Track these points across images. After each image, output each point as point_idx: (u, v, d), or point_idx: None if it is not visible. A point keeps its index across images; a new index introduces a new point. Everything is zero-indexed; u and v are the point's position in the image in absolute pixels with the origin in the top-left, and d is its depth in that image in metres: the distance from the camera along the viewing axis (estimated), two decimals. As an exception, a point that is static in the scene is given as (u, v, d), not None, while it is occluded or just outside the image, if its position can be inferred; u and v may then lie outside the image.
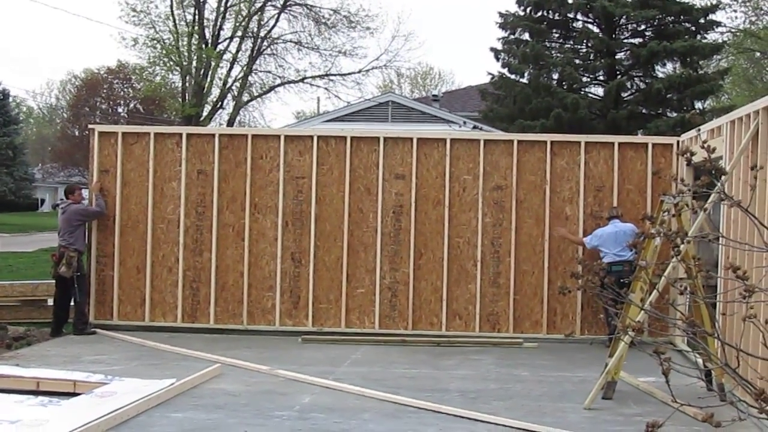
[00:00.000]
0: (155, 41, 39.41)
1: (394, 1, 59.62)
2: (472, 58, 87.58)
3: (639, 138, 16.33)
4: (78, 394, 9.47)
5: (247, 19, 41.20)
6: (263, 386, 10.44)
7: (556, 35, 33.70)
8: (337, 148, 14.58)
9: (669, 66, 32.75)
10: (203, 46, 39.90)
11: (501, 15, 33.80)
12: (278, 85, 43.59)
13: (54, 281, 14.33)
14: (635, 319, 7.40)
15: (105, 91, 73.08)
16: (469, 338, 14.17)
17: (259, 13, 41.60)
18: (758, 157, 9.55)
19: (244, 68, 42.09)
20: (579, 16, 33.00)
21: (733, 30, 41.86)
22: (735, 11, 42.14)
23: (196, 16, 40.37)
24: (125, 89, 72.48)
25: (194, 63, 40.10)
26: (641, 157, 14.35)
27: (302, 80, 43.29)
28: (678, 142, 14.36)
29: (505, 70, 33.38)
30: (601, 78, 32.80)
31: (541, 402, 9.89)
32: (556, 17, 32.89)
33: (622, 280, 10.44)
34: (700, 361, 10.00)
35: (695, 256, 8.03)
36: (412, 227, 14.41)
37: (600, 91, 32.91)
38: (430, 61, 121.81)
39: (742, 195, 9.82)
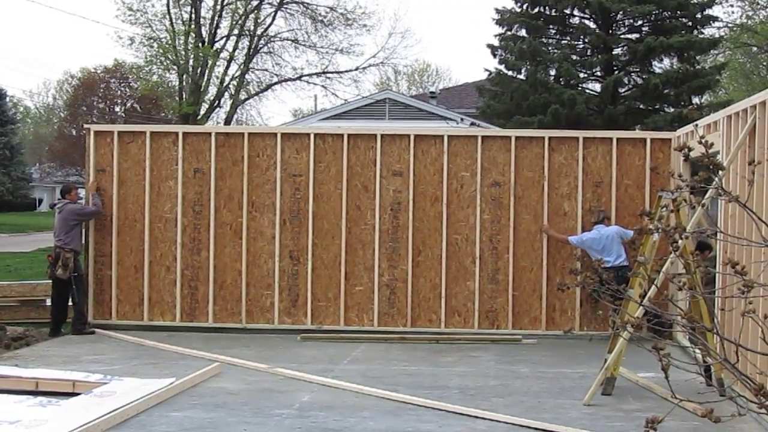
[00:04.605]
0: (152, 40, 39.42)
1: (391, -2, 59.65)
2: (469, 55, 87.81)
3: (637, 133, 16.29)
4: (77, 394, 9.47)
5: (243, 17, 41.24)
6: (262, 384, 10.43)
7: (553, 31, 33.69)
8: (334, 146, 14.56)
9: (666, 61, 32.75)
10: (200, 44, 39.91)
11: (498, 11, 33.82)
12: (275, 83, 43.64)
13: (51, 282, 14.33)
14: (634, 314, 7.40)
15: (102, 90, 73.02)
16: (468, 335, 14.17)
17: (256, 11, 41.66)
18: (755, 152, 9.55)
19: (241, 66, 42.11)
20: (575, 12, 32.98)
21: (729, 25, 41.83)
22: (732, 6, 42.15)
23: (193, 15, 40.40)
24: (122, 88, 72.46)
25: (191, 61, 40.12)
26: (639, 153, 14.34)
27: (299, 78, 43.34)
28: (677, 137, 14.34)
29: (502, 67, 33.35)
30: (598, 74, 32.77)
31: (540, 398, 9.88)
32: (553, 13, 32.90)
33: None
34: (699, 356, 10.03)
35: (693, 251, 8.02)
36: (410, 224, 14.40)
37: (597, 86, 32.90)
38: (427, 58, 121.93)
39: (740, 190, 9.81)
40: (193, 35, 39.98)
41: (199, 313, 14.62)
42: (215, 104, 42.69)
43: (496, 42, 33.79)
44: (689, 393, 5.76)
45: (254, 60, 42.59)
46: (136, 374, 10.63)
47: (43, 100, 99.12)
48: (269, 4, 42.10)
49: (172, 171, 14.68)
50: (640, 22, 32.79)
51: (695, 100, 32.88)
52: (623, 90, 32.30)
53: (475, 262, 14.37)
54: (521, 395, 10.04)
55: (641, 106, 31.75)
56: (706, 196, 9.70)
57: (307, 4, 41.90)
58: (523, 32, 33.15)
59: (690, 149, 4.98)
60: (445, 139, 14.51)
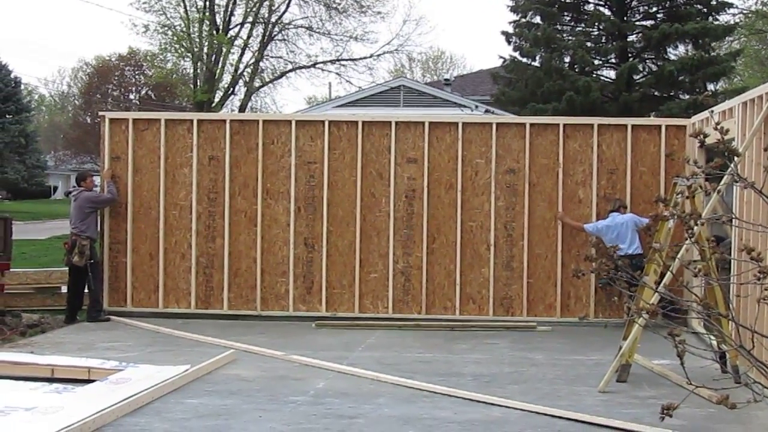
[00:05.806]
0: (166, 28, 39.54)
1: (405, -15, 59.60)
2: (483, 42, 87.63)
3: (652, 120, 16.24)
4: (93, 381, 9.50)
5: (258, 4, 41.23)
6: (277, 371, 10.45)
7: (568, 18, 33.52)
8: (349, 133, 14.56)
9: (681, 48, 32.58)
10: (214, 32, 39.97)
11: (512, -2, 33.67)
12: (289, 71, 43.67)
13: (67, 269, 14.38)
14: (649, 301, 7.38)
15: (116, 78, 73.13)
16: (482, 322, 14.16)
17: (270, -2, 41.64)
18: (772, 139, 9.51)
19: (256, 54, 42.16)
20: (590, -1, 32.86)
21: (744, 11, 41.58)
22: (747, -8, 41.88)
23: (207, 2, 40.46)
24: (137, 76, 72.58)
25: (205, 49, 40.20)
26: (654, 140, 14.29)
27: (313, 65, 43.35)
28: (692, 124, 14.30)
29: (516, 54, 33.21)
30: (613, 61, 32.62)
31: (555, 385, 9.88)
32: (567, 0, 32.75)
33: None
34: (714, 343, 10.01)
35: (709, 237, 7.99)
36: (425, 211, 14.39)
37: (612, 73, 32.75)
38: (441, 45, 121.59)
39: (755, 176, 9.78)
40: (208, 23, 40.06)
41: (214, 301, 14.65)
42: (229, 92, 42.79)
43: (510, 29, 33.63)
44: (704, 380, 5.76)
45: (268, 47, 42.65)
46: (151, 361, 10.67)
47: (58, 87, 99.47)
48: (283, -9, 42.12)
49: (187, 158, 14.70)
50: (654, 9, 32.60)
51: (710, 86, 32.69)
52: (638, 77, 32.15)
53: (489, 249, 14.35)
54: (536, 382, 10.04)
55: (656, 93, 31.60)
56: (722, 182, 9.67)
57: (322, -9, 41.90)
58: (537, 19, 32.97)
59: (705, 135, 4.96)
60: (460, 126, 14.48)
